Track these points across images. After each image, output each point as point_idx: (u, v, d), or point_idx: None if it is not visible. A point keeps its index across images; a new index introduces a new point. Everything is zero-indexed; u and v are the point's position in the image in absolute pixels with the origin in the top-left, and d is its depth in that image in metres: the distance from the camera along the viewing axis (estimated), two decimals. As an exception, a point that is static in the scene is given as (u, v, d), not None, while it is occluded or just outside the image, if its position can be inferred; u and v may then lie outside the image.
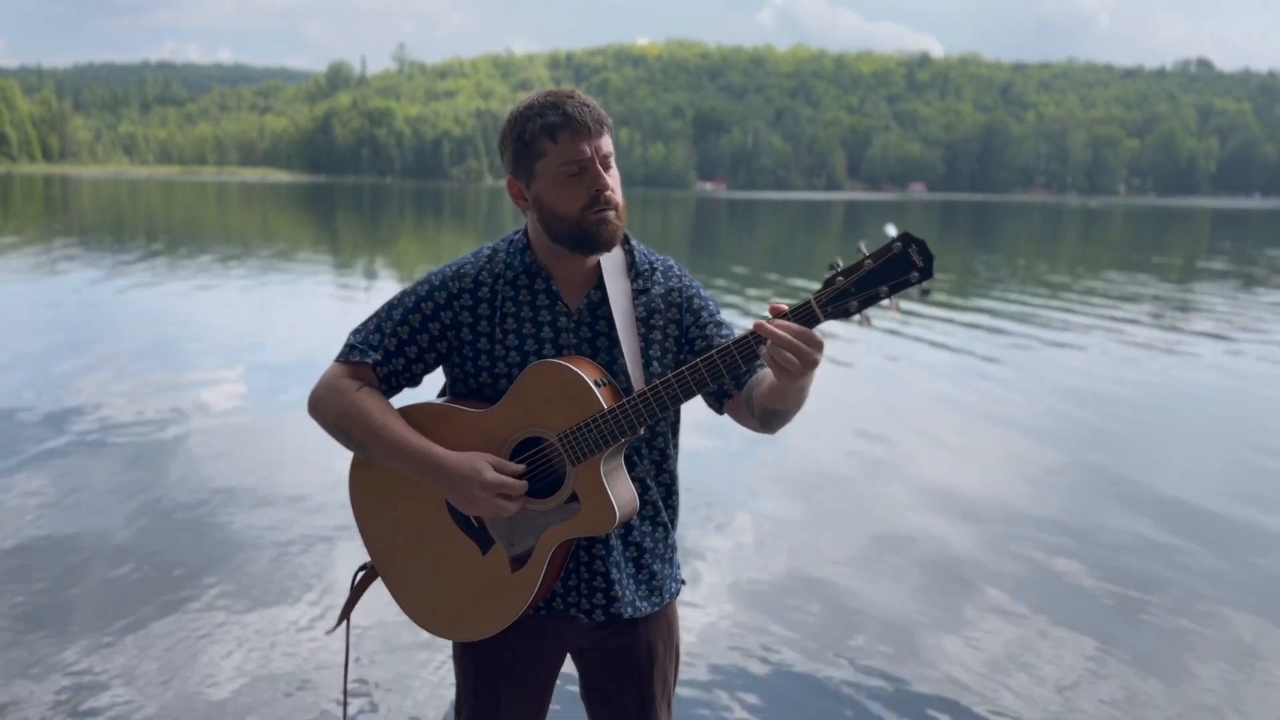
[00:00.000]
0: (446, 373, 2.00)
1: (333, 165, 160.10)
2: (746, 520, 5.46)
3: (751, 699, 3.58)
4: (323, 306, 13.93)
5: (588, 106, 1.81)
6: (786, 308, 1.67)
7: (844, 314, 1.64)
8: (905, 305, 14.38)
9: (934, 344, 11.73)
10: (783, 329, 1.63)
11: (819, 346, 1.64)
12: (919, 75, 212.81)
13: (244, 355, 9.70)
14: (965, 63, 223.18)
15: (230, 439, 6.67)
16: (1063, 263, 26.28)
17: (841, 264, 1.65)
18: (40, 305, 13.20)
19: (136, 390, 8.03)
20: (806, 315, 1.65)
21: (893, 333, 12.14)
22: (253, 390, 8.28)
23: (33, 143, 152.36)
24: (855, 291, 1.63)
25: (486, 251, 1.97)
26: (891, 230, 1.69)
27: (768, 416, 1.88)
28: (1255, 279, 21.58)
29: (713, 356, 1.75)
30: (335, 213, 48.63)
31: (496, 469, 1.84)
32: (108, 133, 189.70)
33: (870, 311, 1.65)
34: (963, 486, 6.19)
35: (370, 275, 19.04)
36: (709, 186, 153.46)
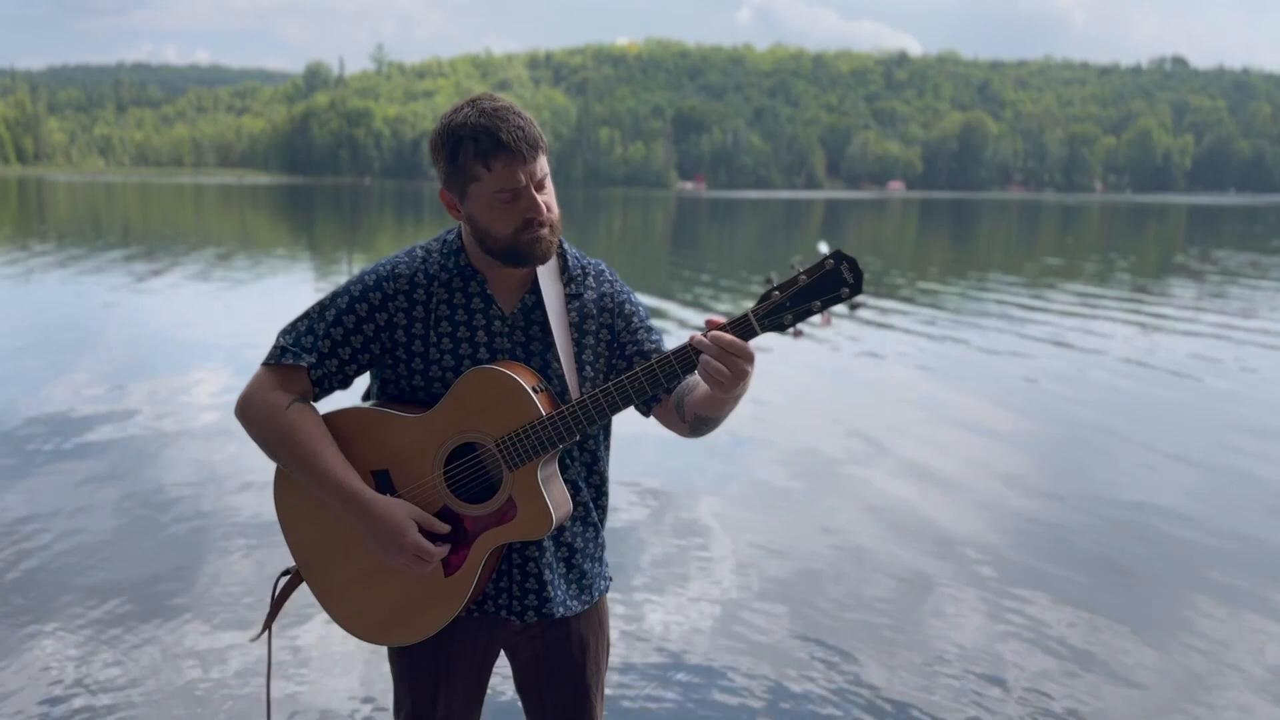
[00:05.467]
0: (375, 375, 1.98)
1: (311, 166, 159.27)
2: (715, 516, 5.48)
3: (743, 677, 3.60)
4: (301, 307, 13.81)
5: (522, 130, 1.78)
6: (723, 321, 1.75)
7: (779, 327, 1.73)
8: (885, 305, 14.44)
9: (911, 337, 11.77)
10: (716, 342, 1.71)
11: (750, 359, 1.71)
12: (897, 74, 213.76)
13: (223, 355, 9.63)
14: (943, 61, 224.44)
15: (206, 442, 6.62)
16: (1042, 258, 26.46)
17: (777, 279, 1.75)
18: (14, 308, 13.06)
19: (112, 392, 7.97)
20: (745, 328, 1.73)
21: (868, 327, 12.18)
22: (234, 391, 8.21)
23: (6, 145, 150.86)
24: (790, 306, 1.72)
25: (420, 252, 1.94)
26: (824, 248, 1.79)
27: (699, 423, 1.91)
28: (1229, 273, 21.80)
29: (652, 366, 1.79)
30: (314, 213, 48.39)
31: (422, 525, 1.84)
32: (83, 135, 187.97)
33: (802, 324, 1.78)
34: (942, 477, 6.24)
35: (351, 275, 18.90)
36: (690, 186, 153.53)
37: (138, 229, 33.01)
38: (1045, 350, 11.41)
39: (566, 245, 1.98)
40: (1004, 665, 3.86)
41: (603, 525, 2.08)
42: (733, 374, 1.71)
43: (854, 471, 6.50)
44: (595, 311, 1.97)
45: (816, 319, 1.65)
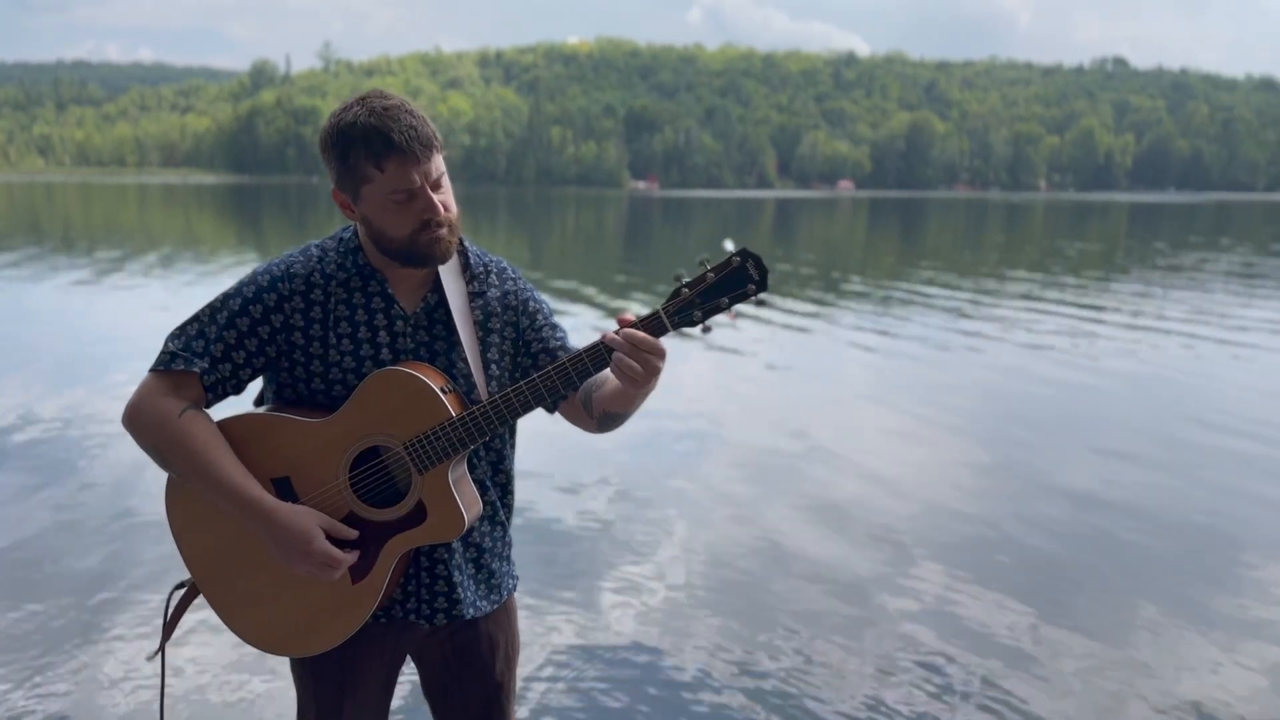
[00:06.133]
0: (270, 379, 1.92)
1: (258, 165, 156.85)
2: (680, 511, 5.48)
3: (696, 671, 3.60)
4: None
5: (415, 129, 1.74)
6: (634, 318, 1.76)
7: (689, 323, 1.76)
8: (832, 302, 14.53)
9: (864, 339, 11.88)
10: (629, 339, 1.72)
11: (662, 355, 1.73)
12: (846, 74, 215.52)
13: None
14: (890, 61, 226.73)
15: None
16: (988, 255, 26.84)
17: (687, 277, 1.77)
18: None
19: (45, 398, 7.79)
20: (656, 325, 1.75)
21: (812, 323, 12.25)
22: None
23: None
24: (700, 303, 1.75)
25: (316, 250, 1.89)
26: (730, 246, 1.82)
27: (606, 419, 1.92)
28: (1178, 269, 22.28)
29: (564, 364, 1.78)
30: (261, 213, 47.66)
31: (328, 532, 1.80)
32: (21, 134, 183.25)
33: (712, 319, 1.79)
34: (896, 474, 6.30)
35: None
36: (642, 185, 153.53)
37: (79, 229, 32.27)
38: (990, 346, 11.57)
39: (468, 243, 1.96)
40: (949, 662, 3.90)
41: (509, 523, 2.07)
42: (645, 370, 1.72)
43: (800, 472, 6.53)
44: (499, 309, 1.95)
45: (724, 315, 1.68)
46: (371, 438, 1.81)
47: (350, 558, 1.80)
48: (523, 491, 5.35)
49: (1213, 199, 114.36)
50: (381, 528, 1.83)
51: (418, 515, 1.82)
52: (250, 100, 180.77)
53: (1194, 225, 48.29)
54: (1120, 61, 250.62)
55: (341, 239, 1.91)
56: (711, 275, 1.74)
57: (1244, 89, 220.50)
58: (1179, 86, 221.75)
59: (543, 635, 4.01)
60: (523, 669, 3.63)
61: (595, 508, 5.60)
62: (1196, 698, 3.64)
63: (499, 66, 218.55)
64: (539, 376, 1.79)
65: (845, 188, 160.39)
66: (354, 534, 1.81)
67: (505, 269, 2.00)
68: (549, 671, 3.75)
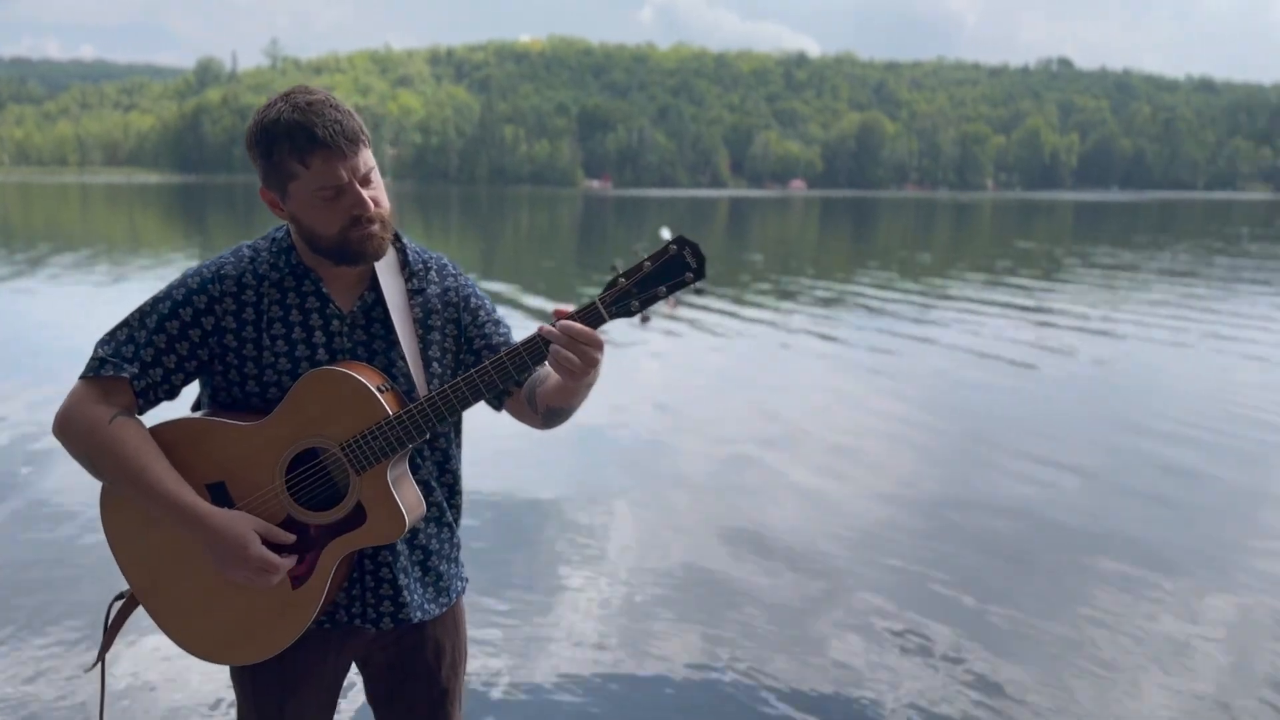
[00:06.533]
0: (205, 384, 1.89)
1: (204, 164, 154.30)
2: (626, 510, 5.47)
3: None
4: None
5: (340, 124, 1.71)
6: (571, 310, 1.74)
7: (627, 313, 1.73)
8: (780, 300, 14.62)
9: (823, 337, 11.96)
10: (565, 331, 1.69)
11: (599, 347, 1.71)
12: (797, 74, 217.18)
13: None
14: (841, 62, 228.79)
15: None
16: (936, 254, 27.18)
17: (623, 266, 1.74)
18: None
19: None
20: (593, 316, 1.72)
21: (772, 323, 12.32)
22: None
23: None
24: (637, 292, 1.72)
25: (248, 252, 1.86)
26: (667, 234, 1.81)
27: (551, 414, 1.89)
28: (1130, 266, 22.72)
29: (502, 359, 1.76)
30: (206, 212, 46.90)
31: (265, 536, 1.76)
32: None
33: (651, 308, 1.76)
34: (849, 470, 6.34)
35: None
36: (596, 184, 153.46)
37: (19, 230, 31.51)
38: (931, 349, 11.72)
39: (407, 240, 1.93)
40: (894, 671, 3.93)
41: (457, 525, 2.04)
42: (583, 362, 1.70)
43: (748, 469, 6.56)
44: (440, 306, 1.92)
45: (663, 304, 1.68)
46: (307, 440, 1.77)
47: (288, 563, 1.76)
48: (475, 491, 5.34)
49: (1155, 197, 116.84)
50: (321, 531, 1.79)
51: (357, 517, 1.78)
52: (196, 98, 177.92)
53: (1138, 224, 49.29)
54: (1065, 62, 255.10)
55: (274, 239, 1.87)
56: (648, 264, 1.71)
57: (1185, 89, 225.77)
58: (1122, 87, 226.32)
59: (492, 634, 3.98)
60: (473, 669, 3.61)
61: (544, 506, 5.59)
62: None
63: (450, 64, 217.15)
64: (476, 372, 1.76)
65: (797, 187, 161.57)
66: (291, 538, 1.78)
67: (446, 265, 1.97)
68: (496, 668, 3.72)
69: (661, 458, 6.79)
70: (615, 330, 11.43)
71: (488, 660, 3.78)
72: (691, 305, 13.49)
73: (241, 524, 1.74)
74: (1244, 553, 5.19)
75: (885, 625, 4.18)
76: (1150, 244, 31.76)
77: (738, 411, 8.18)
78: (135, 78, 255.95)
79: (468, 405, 1.79)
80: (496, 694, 3.59)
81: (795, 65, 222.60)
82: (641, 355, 10.49)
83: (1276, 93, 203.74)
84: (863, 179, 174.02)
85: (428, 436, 1.81)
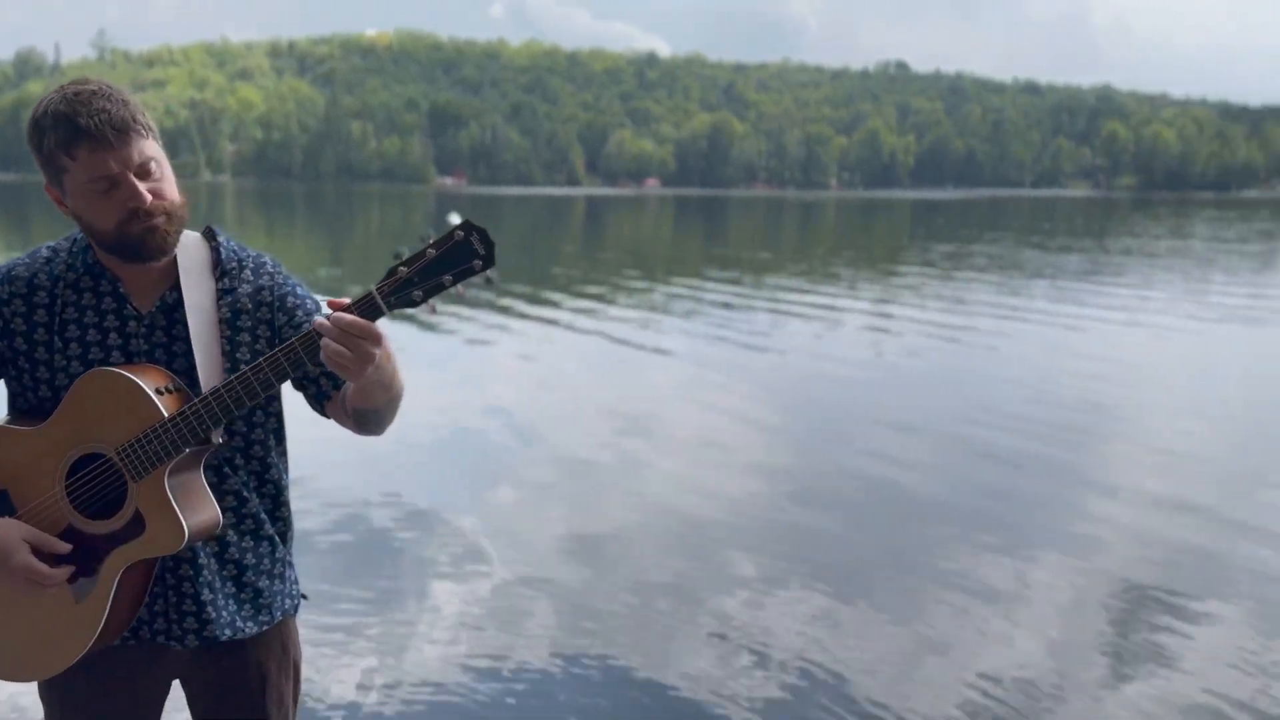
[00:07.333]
0: (8, 387, 1.83)
1: (25, 162, 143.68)
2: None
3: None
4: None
5: (106, 114, 1.63)
6: (348, 301, 1.61)
7: (410, 303, 1.60)
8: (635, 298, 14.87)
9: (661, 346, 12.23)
10: (337, 323, 1.57)
11: (376, 340, 1.58)
12: (649, 74, 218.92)
13: None
14: (691, 63, 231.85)
15: None
16: (789, 254, 28.03)
17: (406, 253, 1.61)
18: None
19: None
20: (370, 307, 1.59)
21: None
22: None
23: None
24: (419, 281, 1.59)
25: (45, 252, 1.81)
26: (454, 219, 1.64)
27: (359, 416, 1.80)
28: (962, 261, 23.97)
29: (276, 354, 1.65)
30: (29, 213, 44.05)
31: (36, 545, 1.68)
32: None
33: (440, 300, 1.65)
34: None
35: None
36: (449, 181, 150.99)
37: None
38: (787, 341, 12.19)
39: (223, 238, 1.86)
40: (769, 642, 4.19)
41: (286, 539, 1.94)
42: (356, 356, 1.57)
43: (606, 467, 6.76)
44: (251, 306, 1.82)
45: (453, 291, 1.60)
46: (87, 444, 1.70)
47: (60, 573, 1.68)
48: (320, 501, 5.34)
49: (986, 195, 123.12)
50: (102, 541, 1.70)
51: (136, 526, 1.68)
52: (15, 92, 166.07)
53: (969, 219, 51.96)
54: (902, 65, 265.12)
55: (75, 239, 1.81)
56: (432, 251, 1.58)
57: (1011, 91, 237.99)
58: (955, 89, 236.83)
59: (353, 647, 3.95)
60: (333, 687, 3.59)
61: (399, 514, 5.58)
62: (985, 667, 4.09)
63: (292, 58, 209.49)
64: (250, 369, 1.66)
65: (652, 185, 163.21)
66: (66, 548, 1.69)
67: (265, 264, 1.88)
68: (359, 682, 3.71)
69: (515, 454, 6.90)
70: (471, 329, 11.45)
71: (335, 679, 3.71)
72: (552, 305, 13.58)
73: (10, 532, 1.67)
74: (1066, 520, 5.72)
75: (749, 618, 4.44)
76: (979, 238, 33.58)
77: (588, 413, 8.36)
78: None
79: (244, 405, 1.68)
80: (369, 699, 3.63)
81: (647, 65, 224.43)
82: (501, 355, 10.57)
83: (1094, 95, 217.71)
84: (714, 178, 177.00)
85: (215, 440, 1.71)
